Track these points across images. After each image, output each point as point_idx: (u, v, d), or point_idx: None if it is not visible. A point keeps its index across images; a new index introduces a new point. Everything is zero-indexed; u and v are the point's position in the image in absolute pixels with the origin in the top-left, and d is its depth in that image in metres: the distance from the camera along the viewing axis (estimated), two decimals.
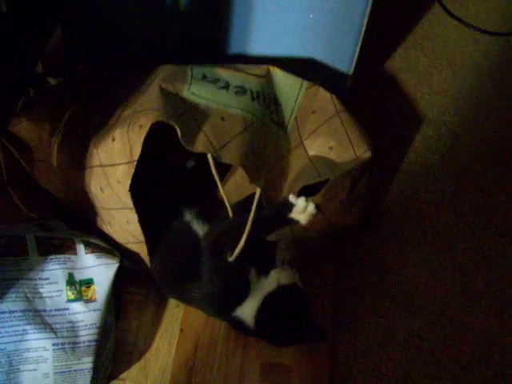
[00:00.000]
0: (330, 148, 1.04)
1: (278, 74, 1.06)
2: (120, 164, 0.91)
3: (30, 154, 1.02)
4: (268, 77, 1.05)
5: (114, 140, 0.92)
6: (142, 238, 0.94)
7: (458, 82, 1.49)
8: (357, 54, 1.16)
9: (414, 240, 1.19)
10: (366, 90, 1.40)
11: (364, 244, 1.17)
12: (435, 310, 1.10)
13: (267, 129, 1.02)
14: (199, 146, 0.89)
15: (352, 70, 1.19)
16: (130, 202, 0.90)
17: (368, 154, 1.01)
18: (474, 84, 1.49)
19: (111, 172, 0.92)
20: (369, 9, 1.07)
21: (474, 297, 1.12)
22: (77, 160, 1.01)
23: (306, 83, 1.07)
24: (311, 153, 1.05)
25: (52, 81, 1.19)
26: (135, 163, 0.88)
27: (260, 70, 1.04)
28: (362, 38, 1.12)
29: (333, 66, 1.18)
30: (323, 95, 1.06)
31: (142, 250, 0.97)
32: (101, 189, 0.95)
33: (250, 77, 1.02)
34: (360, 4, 1.06)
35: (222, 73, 1.01)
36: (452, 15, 1.63)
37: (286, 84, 1.06)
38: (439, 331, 1.07)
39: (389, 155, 1.32)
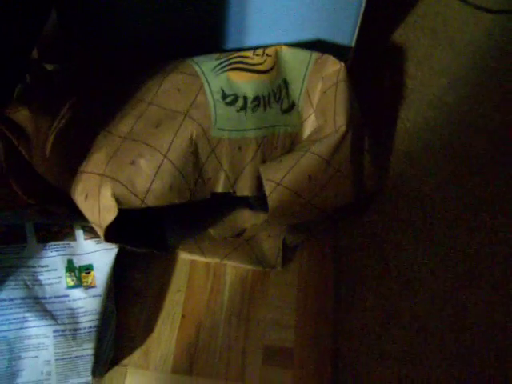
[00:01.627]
0: (324, 120, 1.05)
1: (287, 52, 1.06)
2: (125, 187, 0.90)
3: (28, 142, 1.01)
4: (276, 63, 1.06)
5: (133, 164, 0.92)
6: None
7: (458, 62, 1.47)
8: (356, 32, 1.15)
9: (416, 221, 1.18)
10: (366, 71, 1.39)
11: (364, 225, 1.17)
12: (438, 291, 1.09)
13: (277, 131, 1.05)
14: (220, 188, 0.98)
15: (353, 43, 1.18)
16: (104, 223, 0.88)
17: (343, 129, 1.00)
18: (475, 63, 1.47)
19: (109, 185, 0.90)
20: None
21: (477, 277, 1.11)
22: (70, 157, 0.99)
23: (314, 55, 1.07)
24: (319, 122, 1.07)
25: (48, 66, 1.17)
26: (143, 205, 0.89)
27: (268, 60, 1.05)
28: (361, 15, 1.11)
29: (334, 42, 1.17)
30: (332, 64, 1.06)
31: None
32: (85, 197, 0.93)
33: (261, 77, 1.04)
34: None
35: (237, 80, 1.02)
36: None
37: (295, 60, 1.07)
38: (442, 312, 1.07)
39: (389, 136, 1.31)
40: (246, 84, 1.03)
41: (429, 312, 1.07)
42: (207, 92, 1.01)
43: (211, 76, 1.02)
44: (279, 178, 0.97)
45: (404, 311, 1.07)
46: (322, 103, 1.06)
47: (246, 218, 1.11)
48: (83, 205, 0.94)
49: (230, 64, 1.05)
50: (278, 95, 1.06)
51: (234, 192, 0.99)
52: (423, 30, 1.54)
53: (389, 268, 1.12)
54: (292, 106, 1.09)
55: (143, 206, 0.89)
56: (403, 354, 1.03)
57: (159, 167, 0.92)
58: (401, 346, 1.03)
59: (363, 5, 1.09)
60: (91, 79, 1.13)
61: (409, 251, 1.14)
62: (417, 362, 1.02)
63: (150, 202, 0.90)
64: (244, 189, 1.00)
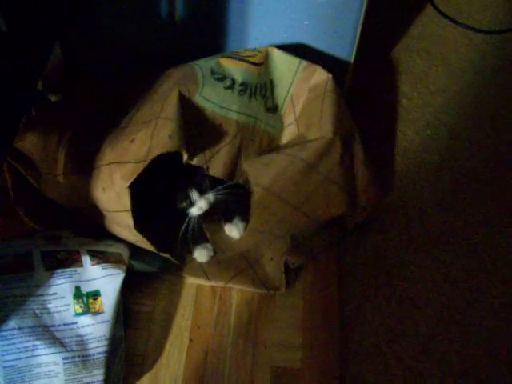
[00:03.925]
0: (308, 127, 1.06)
1: (277, 55, 1.09)
2: (129, 162, 0.93)
3: (36, 169, 1.03)
4: (266, 62, 1.08)
5: (132, 141, 0.95)
6: (142, 239, 0.97)
7: (453, 82, 1.50)
8: (355, 48, 1.18)
9: (418, 239, 1.19)
10: (363, 92, 1.41)
11: (368, 244, 1.18)
12: (441, 309, 1.10)
13: (258, 125, 1.07)
14: (196, 160, 0.97)
15: (352, 59, 1.20)
16: (127, 203, 0.92)
17: (330, 135, 1.01)
18: (470, 83, 1.50)
19: (117, 169, 0.94)
20: (364, 9, 1.09)
21: (480, 294, 1.12)
22: (83, 164, 1.03)
23: (304, 62, 1.09)
24: (300, 130, 1.09)
25: (53, 97, 1.20)
26: (146, 164, 0.91)
27: (259, 56, 1.08)
28: (359, 31, 1.14)
29: (334, 57, 1.20)
30: (320, 74, 1.08)
31: (149, 247, 0.99)
32: (103, 189, 0.97)
33: (251, 67, 1.06)
34: (356, 3, 1.08)
35: (228, 65, 1.05)
36: (445, 15, 1.65)
37: (284, 64, 1.09)
38: (446, 329, 1.07)
39: (387, 154, 1.33)
40: (234, 69, 1.05)
41: (433, 330, 1.07)
42: (197, 68, 1.04)
43: (202, 62, 1.06)
44: (267, 184, 0.98)
45: (409, 329, 1.07)
46: (306, 112, 1.08)
47: (245, 240, 1.12)
48: (103, 197, 0.98)
49: (222, 55, 1.08)
50: (263, 91, 1.08)
51: (207, 168, 0.98)
52: (418, 51, 1.56)
53: (393, 287, 1.12)
54: (275, 108, 1.11)
55: (147, 162, 0.91)
56: (409, 372, 1.03)
57: (154, 128, 0.94)
58: (407, 363, 1.03)
59: (361, 21, 1.12)
60: (93, 98, 1.16)
61: (411, 269, 1.15)
62: (424, 379, 1.02)
63: (153, 154, 0.91)
64: (217, 170, 0.99)
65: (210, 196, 1.02)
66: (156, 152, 0.91)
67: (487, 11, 1.68)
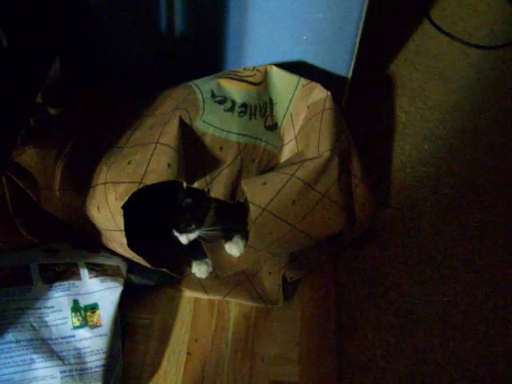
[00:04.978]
0: (306, 145, 1.07)
1: (276, 73, 1.09)
2: (124, 182, 0.93)
3: (34, 183, 1.03)
4: (265, 80, 1.09)
5: (129, 163, 0.95)
6: (137, 257, 0.98)
7: (450, 96, 1.51)
8: (352, 64, 1.19)
9: (415, 252, 1.20)
10: (360, 107, 1.42)
11: (365, 258, 1.18)
12: (438, 322, 1.10)
13: (258, 144, 1.08)
14: (197, 184, 0.98)
15: (350, 74, 1.21)
16: (121, 223, 0.92)
17: (327, 154, 1.02)
18: (467, 97, 1.51)
19: (112, 189, 0.94)
20: (361, 25, 1.10)
21: (476, 307, 1.12)
22: (79, 181, 1.03)
23: (302, 80, 1.10)
24: (299, 148, 1.09)
25: (52, 111, 1.20)
26: (141, 185, 0.91)
27: (258, 75, 1.08)
28: (357, 48, 1.15)
29: (331, 71, 1.21)
30: (319, 92, 1.08)
31: (144, 263, 0.99)
32: (98, 209, 0.97)
33: (250, 88, 1.07)
34: (353, 19, 1.09)
35: (227, 87, 1.06)
36: (442, 31, 1.66)
37: (283, 82, 1.10)
38: (443, 343, 1.07)
39: (385, 169, 1.34)
40: (235, 91, 1.06)
41: (429, 342, 1.07)
42: (197, 92, 1.05)
43: (202, 83, 1.07)
44: (265, 202, 0.98)
45: (405, 344, 1.07)
46: (305, 130, 1.08)
47: (244, 258, 1.12)
48: (98, 217, 0.98)
49: (221, 74, 1.09)
50: (263, 110, 1.09)
51: (209, 191, 0.99)
52: (415, 65, 1.58)
53: (390, 299, 1.13)
54: (275, 126, 1.11)
55: (141, 186, 0.91)
56: None
57: (153, 152, 0.94)
58: (403, 376, 1.03)
59: (359, 37, 1.13)
60: (92, 115, 1.17)
61: (409, 284, 1.15)
62: None
63: (149, 180, 0.91)
64: (218, 192, 1.00)
65: (191, 235, 1.03)
66: (153, 179, 0.91)
67: (483, 26, 1.70)
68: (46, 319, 0.92)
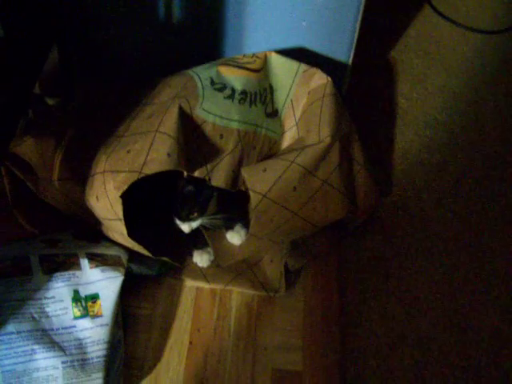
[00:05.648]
0: (307, 131, 1.06)
1: (275, 59, 1.09)
2: (123, 171, 0.92)
3: (33, 173, 1.03)
4: (265, 67, 1.08)
5: (128, 152, 0.95)
6: (137, 246, 0.97)
7: (452, 82, 1.50)
8: (353, 51, 1.17)
9: (417, 240, 1.19)
10: (362, 93, 1.41)
11: (368, 246, 1.18)
12: (442, 310, 1.10)
13: (259, 131, 1.07)
14: (197, 172, 0.98)
15: (350, 60, 1.20)
16: (120, 212, 0.91)
17: (328, 140, 1.01)
18: (468, 83, 1.50)
19: (111, 178, 0.94)
20: (361, 11, 1.09)
21: (480, 295, 1.12)
22: (78, 171, 1.03)
23: (303, 66, 1.09)
24: (300, 134, 1.08)
25: (50, 101, 1.20)
26: (140, 175, 0.90)
27: (258, 61, 1.07)
28: (357, 34, 1.14)
29: (332, 59, 1.20)
30: (319, 78, 1.08)
31: (145, 252, 0.99)
32: (97, 198, 0.96)
33: (250, 74, 1.06)
34: (353, 4, 1.08)
35: (227, 74, 1.05)
36: (443, 16, 1.65)
37: (283, 68, 1.09)
38: (447, 331, 1.07)
39: (387, 155, 1.33)
40: (234, 78, 1.05)
41: (434, 332, 1.07)
42: (196, 79, 1.04)
43: (201, 71, 1.06)
44: (265, 189, 0.97)
45: (409, 332, 1.07)
46: (306, 116, 1.08)
47: (245, 246, 1.11)
48: (97, 206, 0.97)
49: (220, 62, 1.08)
50: (263, 97, 1.08)
51: (209, 180, 0.98)
52: (416, 51, 1.56)
53: (393, 288, 1.12)
54: (275, 112, 1.11)
55: (141, 175, 0.91)
56: (411, 374, 1.02)
57: (152, 141, 0.94)
58: (407, 365, 1.03)
59: (359, 22, 1.12)
60: (91, 105, 1.16)
61: (412, 271, 1.15)
62: (425, 381, 1.02)
63: (149, 170, 0.91)
64: (219, 180, 0.99)
65: (193, 223, 1.02)
66: (153, 168, 0.91)
67: (485, 11, 1.68)
68: (47, 310, 0.91)
